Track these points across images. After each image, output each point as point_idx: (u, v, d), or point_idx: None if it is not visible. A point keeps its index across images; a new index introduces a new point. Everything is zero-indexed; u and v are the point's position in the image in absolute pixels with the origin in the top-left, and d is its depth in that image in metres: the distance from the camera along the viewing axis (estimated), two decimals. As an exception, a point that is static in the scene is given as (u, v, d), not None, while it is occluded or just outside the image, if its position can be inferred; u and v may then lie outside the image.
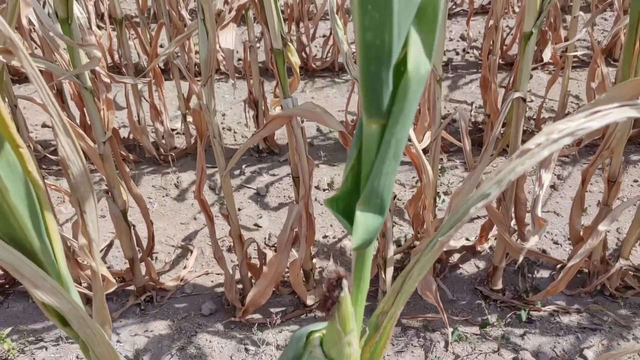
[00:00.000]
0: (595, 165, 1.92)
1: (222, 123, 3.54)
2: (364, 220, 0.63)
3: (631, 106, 0.69)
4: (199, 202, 2.01)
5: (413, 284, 0.76)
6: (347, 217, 0.64)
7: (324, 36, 4.62)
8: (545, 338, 2.03)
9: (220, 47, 1.80)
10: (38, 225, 0.69)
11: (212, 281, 2.38)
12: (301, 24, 4.15)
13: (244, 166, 3.10)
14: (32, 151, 2.63)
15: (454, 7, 4.96)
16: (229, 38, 1.79)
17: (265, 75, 3.83)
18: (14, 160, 0.64)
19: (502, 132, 2.74)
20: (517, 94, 1.72)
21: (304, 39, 4.14)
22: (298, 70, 1.94)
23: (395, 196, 2.76)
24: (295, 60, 1.87)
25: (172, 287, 2.33)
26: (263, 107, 3.10)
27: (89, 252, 0.77)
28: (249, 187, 2.96)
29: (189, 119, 3.21)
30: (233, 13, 1.80)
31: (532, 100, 3.62)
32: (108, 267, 2.38)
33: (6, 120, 0.64)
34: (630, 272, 2.24)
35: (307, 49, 4.15)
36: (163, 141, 3.25)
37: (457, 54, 4.33)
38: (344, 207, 0.65)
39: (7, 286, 2.33)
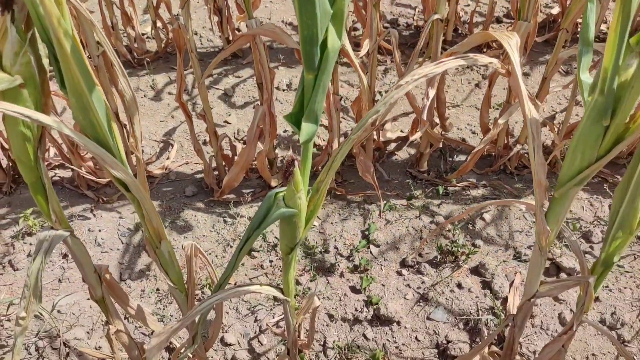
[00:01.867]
0: (498, 73, 2.41)
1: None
2: (306, 127, 1.12)
3: (462, 58, 1.17)
4: (180, 105, 2.43)
5: (337, 163, 1.27)
6: (297, 125, 1.13)
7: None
8: (456, 206, 2.63)
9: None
10: (110, 131, 1.15)
11: (191, 169, 2.86)
12: None
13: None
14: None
15: None
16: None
17: (226, -21, 4.07)
18: (99, 95, 1.09)
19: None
20: (436, 16, 2.16)
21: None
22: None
23: (342, 97, 3.22)
24: (256, -15, 2.23)
25: (158, 174, 2.81)
26: (226, 14, 3.42)
27: (135, 147, 1.23)
28: (217, 88, 3.36)
29: (159, 24, 3.51)
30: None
31: (468, 5, 4.02)
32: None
33: (89, 69, 1.08)
34: (526, 154, 2.83)
35: (265, -48, 4.34)
36: (135, 45, 3.56)
37: (406, -44, 4.60)
38: (295, 119, 1.14)
39: (16, 176, 2.75)
